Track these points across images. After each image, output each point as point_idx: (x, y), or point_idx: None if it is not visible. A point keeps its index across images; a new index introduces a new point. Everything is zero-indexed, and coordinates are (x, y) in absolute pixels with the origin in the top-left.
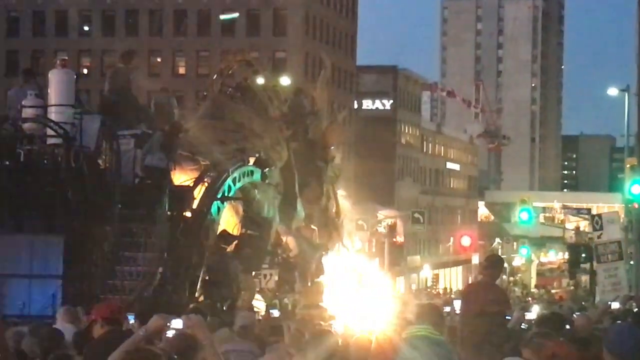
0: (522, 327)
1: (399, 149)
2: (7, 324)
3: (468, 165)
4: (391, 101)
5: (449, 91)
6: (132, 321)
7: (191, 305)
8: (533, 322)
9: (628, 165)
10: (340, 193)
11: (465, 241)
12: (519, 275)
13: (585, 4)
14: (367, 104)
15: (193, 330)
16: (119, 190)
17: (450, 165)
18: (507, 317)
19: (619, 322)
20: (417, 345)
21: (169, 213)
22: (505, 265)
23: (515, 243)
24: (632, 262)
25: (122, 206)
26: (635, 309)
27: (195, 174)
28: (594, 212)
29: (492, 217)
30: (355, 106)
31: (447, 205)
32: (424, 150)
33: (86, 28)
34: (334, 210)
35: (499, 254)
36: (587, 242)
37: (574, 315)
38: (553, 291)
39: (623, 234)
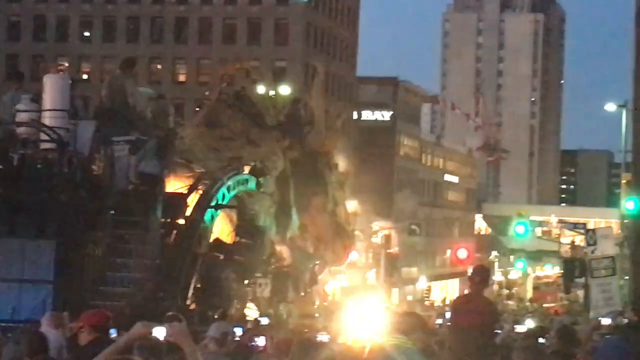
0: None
1: (398, 161)
2: None
3: (467, 177)
4: (391, 112)
5: (449, 104)
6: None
7: (169, 313)
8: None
9: (624, 181)
10: (351, 203)
11: (462, 254)
12: (515, 288)
13: (585, 18)
14: (366, 114)
15: (176, 338)
16: (112, 197)
17: (448, 177)
18: (496, 331)
19: (607, 336)
20: (390, 354)
21: (162, 220)
22: (502, 278)
23: (511, 256)
24: (626, 278)
25: (115, 212)
26: (625, 323)
27: (190, 182)
28: (590, 226)
29: (490, 230)
30: (355, 117)
31: (445, 217)
32: (423, 162)
33: (87, 34)
34: (343, 217)
35: (496, 267)
36: (582, 257)
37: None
38: (547, 305)
39: (618, 249)
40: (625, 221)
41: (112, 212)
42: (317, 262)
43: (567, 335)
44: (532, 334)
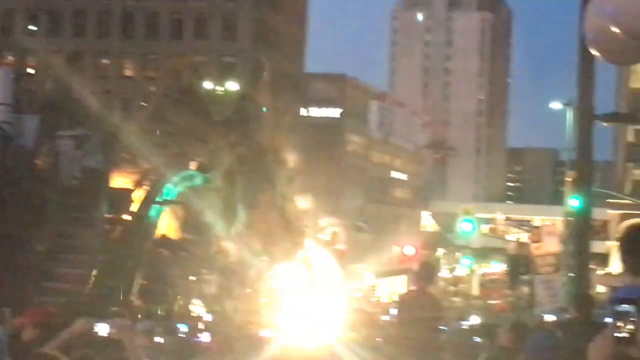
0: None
1: (346, 157)
2: None
3: (414, 175)
4: (339, 109)
5: (397, 101)
6: None
7: (113, 309)
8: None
9: (568, 179)
10: (302, 200)
11: (409, 250)
12: (461, 285)
13: (533, 18)
14: (314, 111)
15: (118, 334)
16: (56, 192)
17: (396, 174)
18: (441, 327)
19: (537, 331)
20: (343, 351)
21: (107, 216)
22: (449, 275)
23: (458, 253)
24: (571, 275)
25: (59, 207)
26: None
27: (135, 177)
28: (536, 224)
29: (437, 227)
30: (303, 113)
31: (392, 214)
32: (371, 159)
33: (32, 28)
34: (292, 213)
35: (442, 264)
36: (527, 254)
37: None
38: (493, 302)
39: (562, 246)
40: (569, 219)
41: (56, 207)
42: (264, 258)
43: (521, 330)
44: (475, 330)
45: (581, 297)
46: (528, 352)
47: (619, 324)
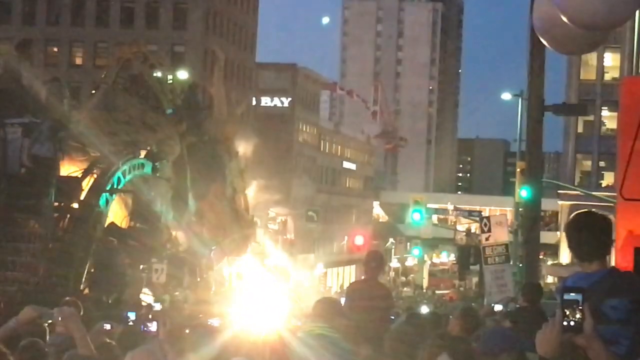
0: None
1: (297, 147)
2: None
3: (364, 165)
4: (290, 99)
5: (348, 91)
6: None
7: (66, 298)
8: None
9: (518, 169)
10: (252, 191)
11: (359, 240)
12: (411, 275)
13: (483, 8)
14: (265, 101)
15: (65, 323)
16: (4, 180)
17: (347, 164)
18: (390, 317)
19: (489, 325)
20: (313, 344)
21: (56, 204)
22: (398, 265)
23: (408, 244)
24: (520, 265)
25: (7, 196)
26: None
27: (85, 165)
28: (486, 214)
29: (387, 217)
30: (254, 103)
31: (343, 204)
32: (321, 149)
33: None
34: (242, 205)
35: (393, 254)
36: (477, 244)
37: (450, 317)
38: (440, 292)
39: (511, 236)
40: (519, 209)
41: (5, 195)
42: (214, 248)
43: (471, 318)
44: (422, 321)
45: (530, 287)
46: (481, 342)
47: (566, 312)
